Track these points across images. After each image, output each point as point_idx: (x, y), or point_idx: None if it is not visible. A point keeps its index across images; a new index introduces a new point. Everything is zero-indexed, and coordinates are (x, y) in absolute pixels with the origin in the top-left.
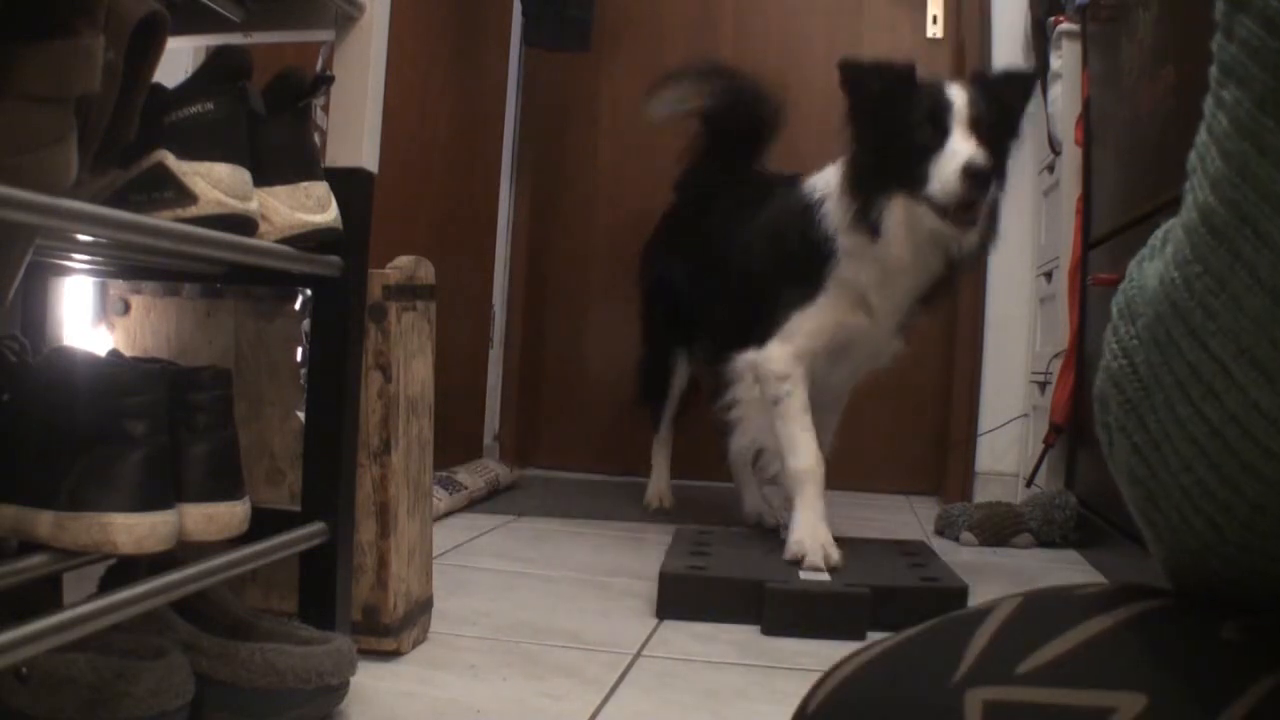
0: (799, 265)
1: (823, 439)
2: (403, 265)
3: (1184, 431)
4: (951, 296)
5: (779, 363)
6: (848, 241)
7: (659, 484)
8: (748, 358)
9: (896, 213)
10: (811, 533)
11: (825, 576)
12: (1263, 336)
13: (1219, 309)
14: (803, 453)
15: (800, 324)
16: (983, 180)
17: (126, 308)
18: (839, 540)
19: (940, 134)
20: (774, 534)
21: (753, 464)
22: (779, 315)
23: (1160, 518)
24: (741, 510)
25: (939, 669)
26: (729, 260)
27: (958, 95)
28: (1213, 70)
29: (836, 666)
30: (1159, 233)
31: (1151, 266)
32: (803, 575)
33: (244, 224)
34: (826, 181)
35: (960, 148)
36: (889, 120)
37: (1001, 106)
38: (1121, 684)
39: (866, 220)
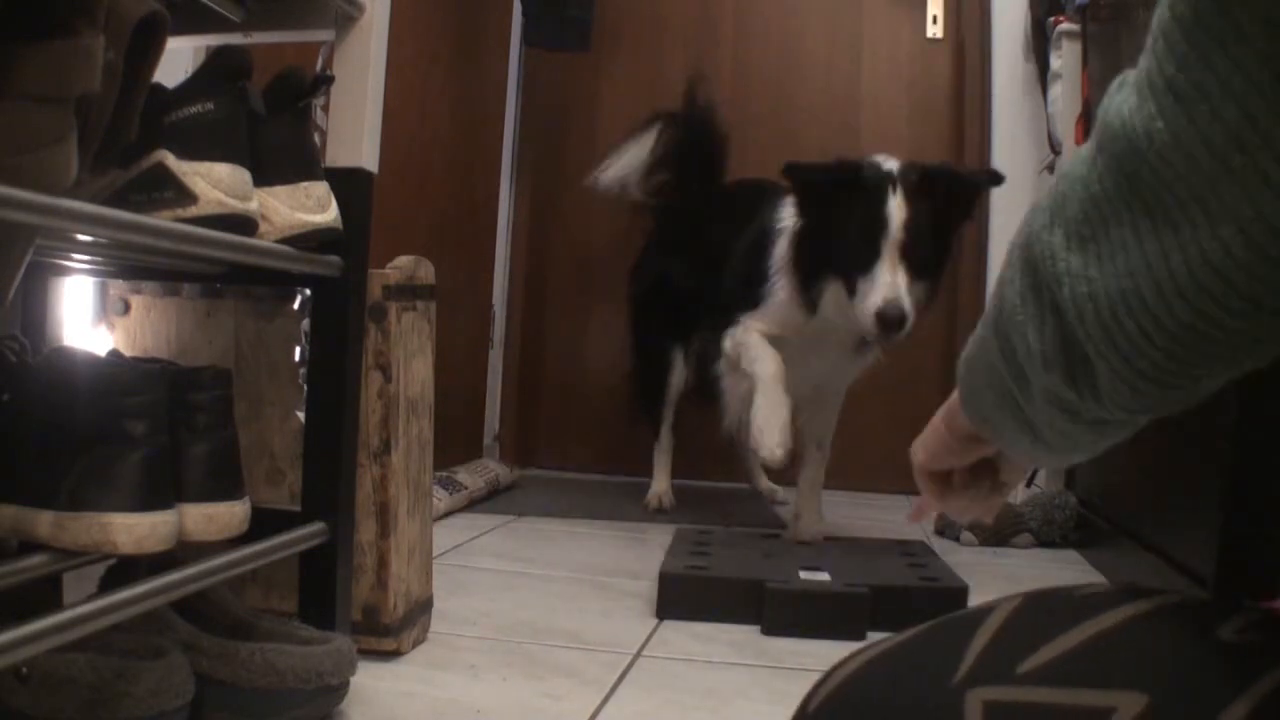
0: (752, 277)
1: (819, 434)
2: (403, 265)
3: (1140, 246)
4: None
5: (739, 334)
6: (782, 295)
7: (661, 484)
8: (725, 337)
9: (830, 299)
10: (767, 420)
11: (825, 576)
12: (1218, 174)
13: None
14: (762, 357)
15: (755, 318)
16: (895, 324)
17: (126, 308)
18: (837, 540)
19: (871, 254)
20: (774, 534)
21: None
22: (740, 311)
23: (1091, 312)
24: (756, 489)
25: (939, 669)
26: (717, 261)
27: (895, 212)
28: None
29: (837, 666)
30: (1130, 72)
31: (1121, 96)
32: (803, 575)
33: (244, 224)
34: (786, 218)
35: (883, 283)
36: (832, 219)
37: (947, 201)
38: (1122, 684)
39: (806, 296)
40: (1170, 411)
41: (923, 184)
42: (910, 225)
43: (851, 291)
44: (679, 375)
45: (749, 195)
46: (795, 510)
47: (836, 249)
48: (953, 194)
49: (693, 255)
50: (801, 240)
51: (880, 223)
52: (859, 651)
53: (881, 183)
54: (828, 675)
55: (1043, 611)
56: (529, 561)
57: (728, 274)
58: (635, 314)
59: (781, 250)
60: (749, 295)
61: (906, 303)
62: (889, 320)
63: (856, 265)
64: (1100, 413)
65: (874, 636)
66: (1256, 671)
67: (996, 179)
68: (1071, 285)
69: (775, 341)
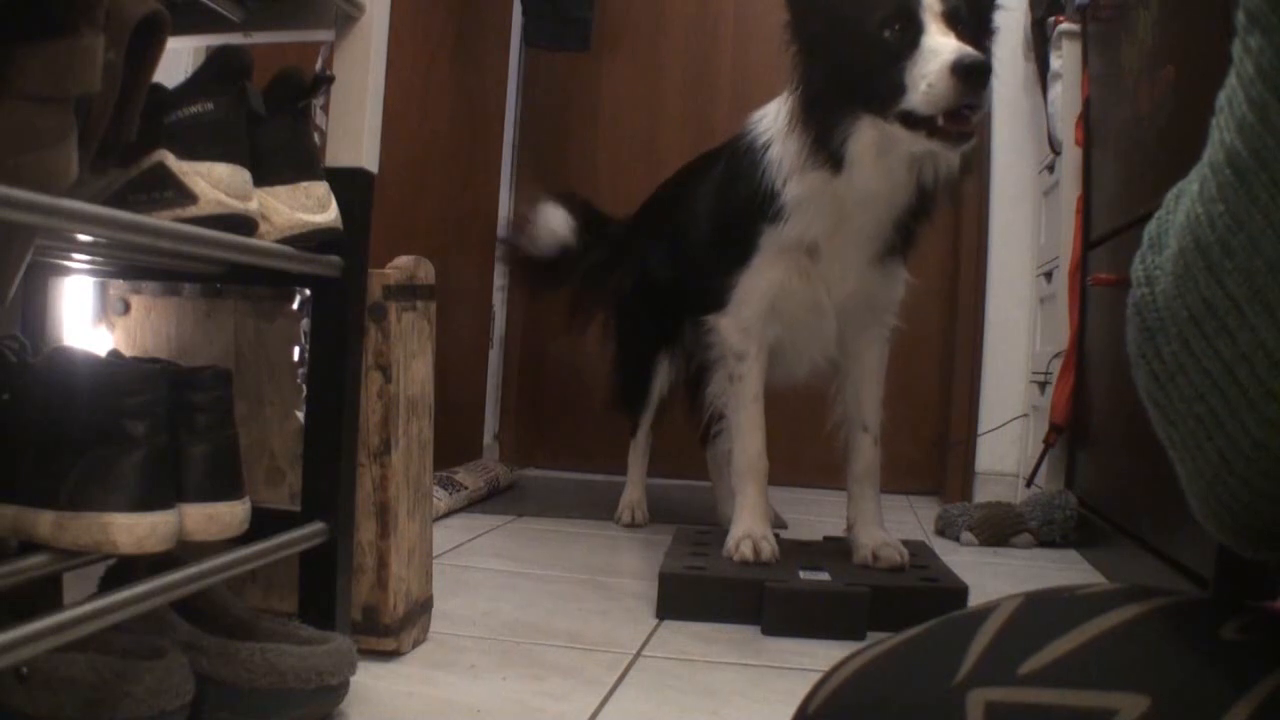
0: (739, 218)
1: (866, 416)
2: (403, 265)
3: (1197, 364)
4: (928, 221)
5: (734, 336)
6: (798, 188)
7: (634, 493)
8: (714, 322)
9: (864, 137)
10: (745, 531)
11: (825, 576)
12: (1275, 280)
13: (1236, 248)
14: (748, 450)
15: (742, 291)
16: (980, 73)
17: (126, 308)
18: (836, 539)
19: (912, 33)
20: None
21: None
22: (726, 275)
23: (1178, 440)
24: (717, 511)
25: (940, 670)
26: (688, 225)
27: None
28: (1239, 16)
29: (837, 667)
30: (1194, 170)
31: (1183, 201)
32: (802, 575)
33: (244, 224)
34: (771, 119)
35: (941, 44)
36: (846, 29)
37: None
38: (1124, 685)
39: (828, 150)
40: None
41: None
42: None
43: (897, 96)
44: (664, 378)
45: (715, 155)
46: (849, 519)
47: (861, 60)
48: None
49: (670, 240)
50: (806, 85)
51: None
52: (859, 652)
53: None
54: (828, 675)
55: (1044, 612)
56: (529, 561)
57: (697, 227)
58: (616, 311)
59: (781, 150)
60: (740, 239)
61: (980, 54)
62: (969, 68)
63: (896, 57)
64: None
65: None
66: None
67: None
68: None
69: (786, 295)
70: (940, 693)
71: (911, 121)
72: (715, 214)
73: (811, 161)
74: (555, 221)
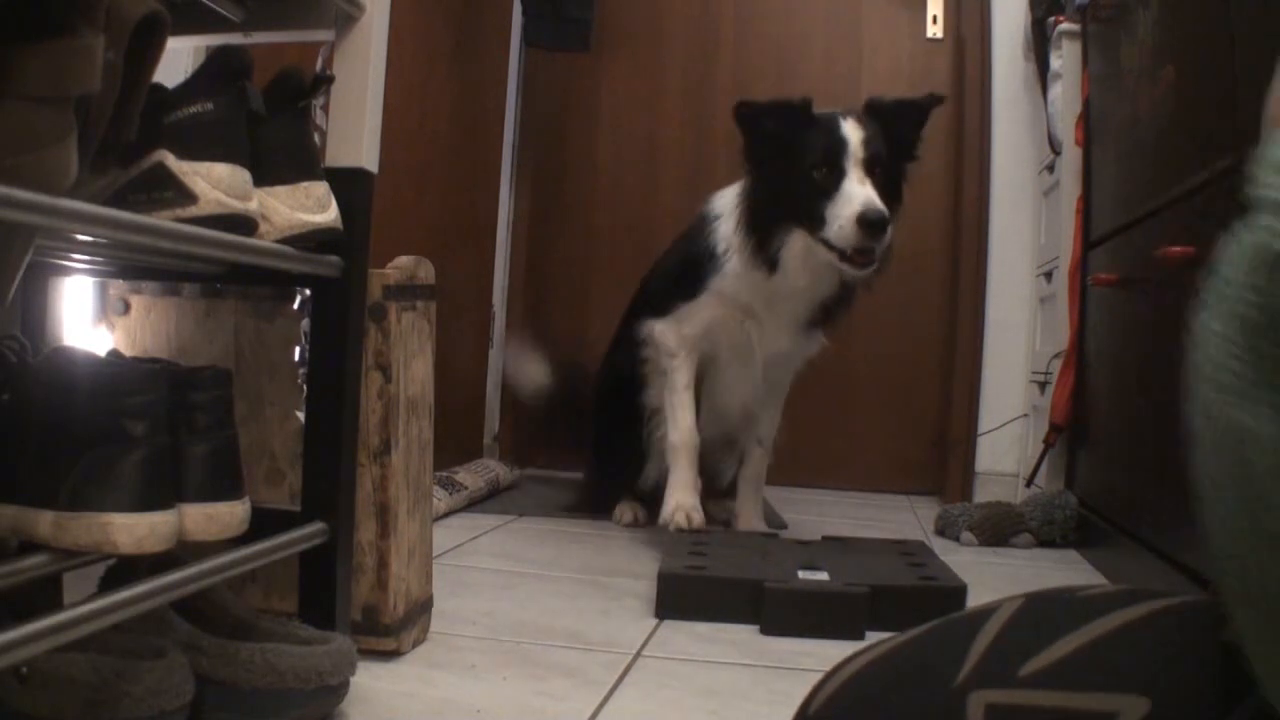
0: (691, 268)
1: (762, 433)
2: (403, 265)
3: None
4: (849, 306)
5: (670, 338)
6: (737, 267)
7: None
8: (652, 325)
9: (795, 246)
10: (677, 503)
11: (824, 576)
12: None
13: None
14: (680, 427)
15: (686, 313)
16: (879, 227)
17: (126, 308)
18: (835, 539)
19: (836, 176)
20: (772, 535)
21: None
22: (674, 302)
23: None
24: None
25: (941, 671)
26: (651, 277)
27: (852, 133)
28: None
29: (838, 668)
30: None
31: None
32: (801, 575)
33: (244, 224)
34: (725, 202)
35: (855, 193)
36: (786, 158)
37: (896, 137)
38: (1124, 687)
39: (766, 255)
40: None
41: (869, 111)
42: (868, 143)
43: (818, 225)
44: (654, 468)
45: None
46: (736, 509)
47: (795, 189)
48: (899, 121)
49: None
50: (750, 192)
51: (839, 143)
52: (860, 652)
53: (831, 115)
54: (829, 676)
55: (1044, 613)
56: (529, 561)
57: (660, 271)
58: (596, 405)
59: (727, 228)
60: (690, 282)
61: (883, 206)
62: (872, 222)
63: (822, 193)
64: None
65: (873, 636)
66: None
67: (937, 99)
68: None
69: (717, 339)
70: (941, 695)
71: (829, 246)
72: (673, 265)
73: (752, 263)
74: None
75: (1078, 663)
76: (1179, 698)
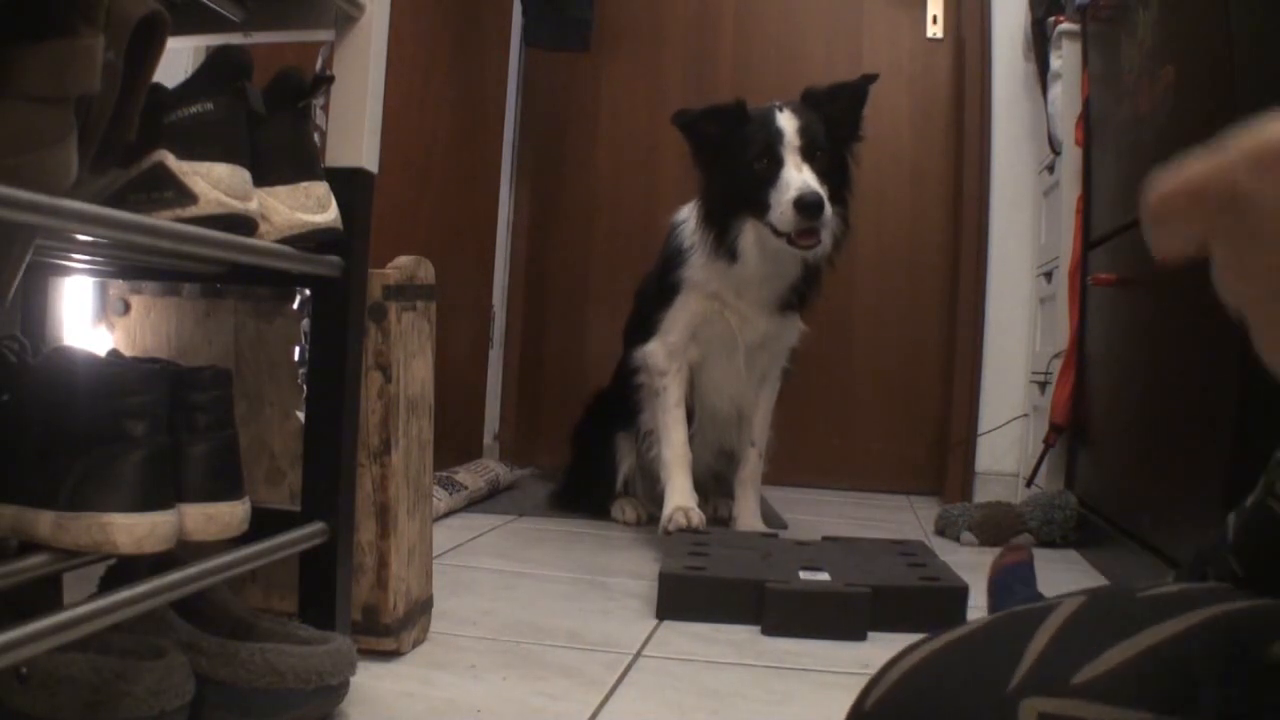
0: (665, 273)
1: (755, 435)
2: (403, 265)
3: None
4: (817, 288)
5: (659, 356)
6: (702, 259)
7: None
8: (641, 350)
9: (749, 235)
10: (675, 505)
11: (825, 576)
12: None
13: None
14: (673, 443)
15: (668, 322)
16: (814, 208)
17: (126, 308)
18: (835, 539)
19: (774, 165)
20: (772, 535)
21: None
22: (655, 317)
23: None
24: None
25: (995, 674)
26: (638, 300)
27: (787, 123)
28: None
29: (893, 662)
30: None
31: None
32: (803, 575)
33: (244, 224)
34: (689, 208)
35: (792, 179)
36: (729, 155)
37: (834, 120)
38: (1168, 708)
39: (724, 246)
40: None
41: (805, 100)
42: (804, 130)
43: (764, 212)
44: (627, 456)
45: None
46: (735, 510)
47: (739, 182)
48: (836, 105)
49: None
50: (703, 192)
51: (775, 134)
52: (913, 647)
53: (767, 108)
54: (884, 671)
55: (1102, 615)
56: (529, 561)
57: (642, 296)
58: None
59: (689, 230)
60: (666, 289)
61: (819, 189)
62: (807, 204)
63: (763, 182)
64: None
65: (875, 637)
66: None
67: (870, 78)
68: None
69: (702, 336)
70: (994, 699)
71: (775, 232)
72: (651, 283)
73: (714, 255)
74: None
75: (1129, 674)
76: (1224, 717)
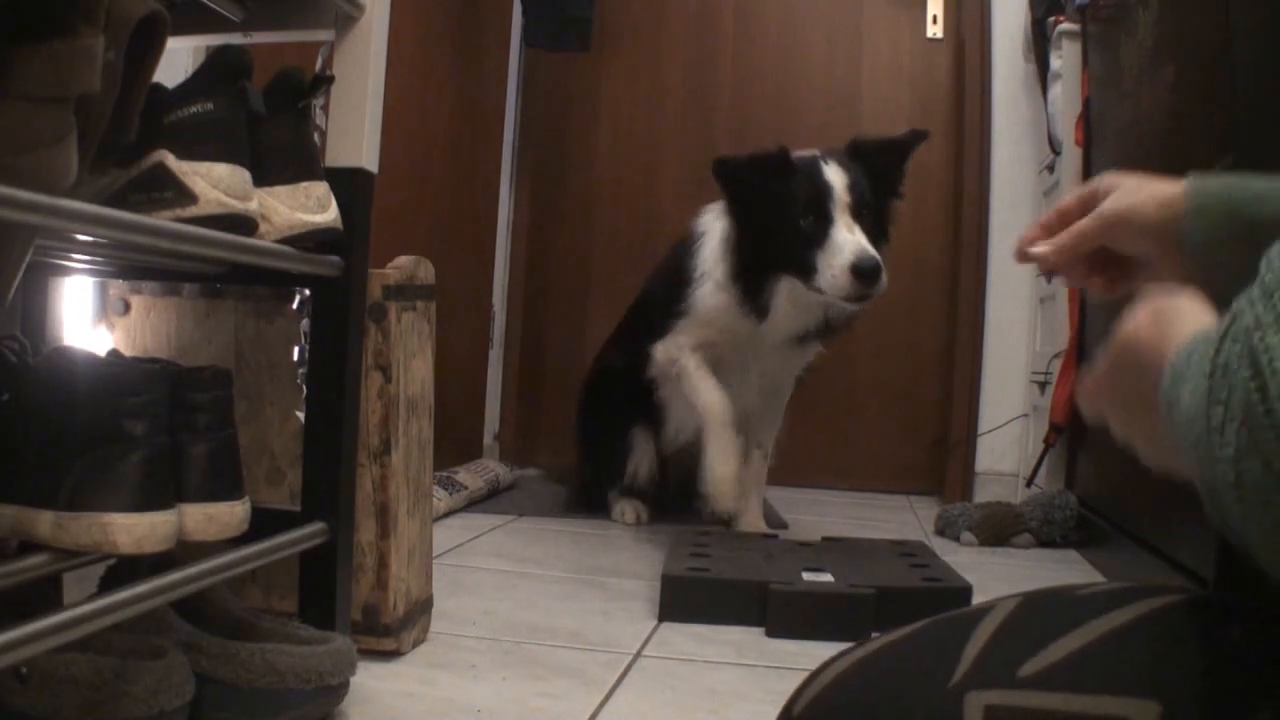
0: (677, 291)
1: (762, 437)
2: (403, 265)
3: None
4: (847, 327)
5: (671, 351)
6: (721, 301)
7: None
8: (654, 349)
9: (783, 292)
10: (718, 469)
11: (828, 577)
12: None
13: None
14: (705, 394)
15: (682, 327)
16: (872, 275)
17: (126, 308)
18: (836, 539)
19: (823, 223)
20: (773, 535)
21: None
22: (669, 321)
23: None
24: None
25: (935, 670)
26: (646, 290)
27: (836, 178)
28: None
29: (825, 666)
30: None
31: None
32: (805, 576)
33: (244, 224)
34: (707, 224)
35: (845, 241)
36: (771, 209)
37: (880, 176)
38: (1132, 690)
39: (756, 304)
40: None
41: (851, 152)
42: (853, 187)
43: (809, 274)
44: (645, 456)
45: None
46: (737, 509)
47: (783, 242)
48: (882, 160)
49: (632, 331)
50: (737, 245)
51: (824, 190)
52: (847, 651)
53: (812, 159)
54: (815, 675)
55: (1044, 611)
56: (529, 561)
57: (650, 290)
58: (583, 402)
59: (710, 250)
60: (677, 302)
61: (875, 254)
62: (865, 271)
63: (810, 242)
64: None
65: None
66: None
67: (921, 135)
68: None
69: (715, 349)
70: (936, 695)
71: (821, 294)
72: (662, 288)
73: (741, 312)
74: None
75: (1080, 663)
76: (1192, 700)
